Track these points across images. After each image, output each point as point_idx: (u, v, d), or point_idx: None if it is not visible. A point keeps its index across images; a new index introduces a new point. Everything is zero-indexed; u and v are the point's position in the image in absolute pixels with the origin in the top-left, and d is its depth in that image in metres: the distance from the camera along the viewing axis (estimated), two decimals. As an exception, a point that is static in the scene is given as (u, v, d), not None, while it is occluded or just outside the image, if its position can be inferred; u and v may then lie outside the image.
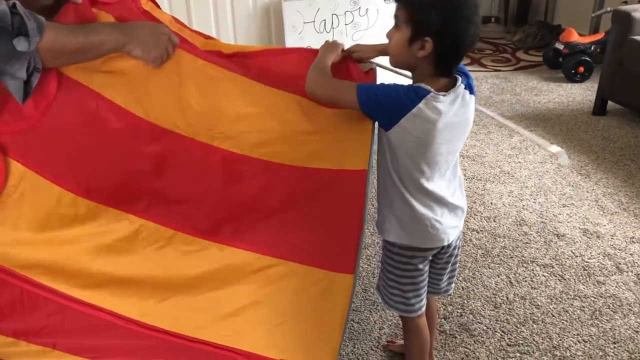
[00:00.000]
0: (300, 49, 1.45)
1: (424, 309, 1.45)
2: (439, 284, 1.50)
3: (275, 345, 1.40)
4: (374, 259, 2.20)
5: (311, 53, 1.36)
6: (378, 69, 1.42)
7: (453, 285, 1.56)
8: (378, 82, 1.32)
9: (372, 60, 1.40)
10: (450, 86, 1.21)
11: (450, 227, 1.34)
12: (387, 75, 1.41)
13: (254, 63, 1.38)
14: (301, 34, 3.86)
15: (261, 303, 1.38)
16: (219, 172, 1.35)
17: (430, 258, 1.40)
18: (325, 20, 3.91)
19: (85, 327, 1.37)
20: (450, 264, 1.47)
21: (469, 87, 1.24)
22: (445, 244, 1.35)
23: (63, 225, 1.32)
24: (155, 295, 1.38)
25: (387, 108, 1.19)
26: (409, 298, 1.41)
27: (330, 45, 1.34)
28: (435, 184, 1.28)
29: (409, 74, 1.29)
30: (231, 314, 1.39)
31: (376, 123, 1.28)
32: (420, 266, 1.38)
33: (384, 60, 1.38)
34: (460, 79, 1.22)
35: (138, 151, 1.33)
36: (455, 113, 1.21)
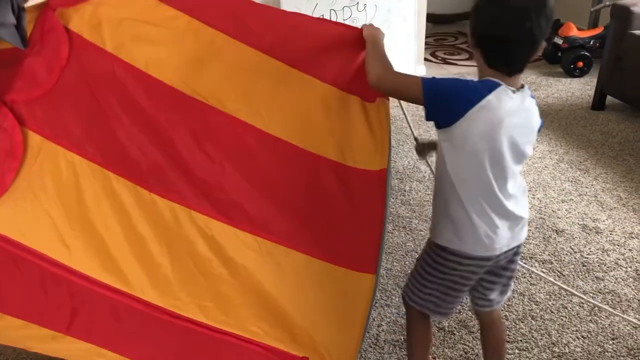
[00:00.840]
0: (340, 26, 1.37)
1: (447, 317, 1.39)
2: (489, 294, 1.39)
3: (297, 341, 1.39)
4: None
5: (348, 33, 1.31)
6: None
7: (507, 295, 1.44)
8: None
9: None
10: (518, 87, 1.19)
11: (505, 237, 1.26)
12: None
13: (286, 29, 1.34)
14: (299, 30, 3.84)
15: (283, 299, 1.36)
16: (242, 146, 1.32)
17: (480, 271, 1.31)
18: (323, 15, 3.88)
19: (105, 312, 1.33)
20: (507, 272, 1.37)
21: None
22: (497, 253, 1.27)
23: (85, 197, 1.28)
24: (179, 283, 1.34)
25: (455, 99, 1.15)
26: (443, 300, 1.35)
27: (377, 29, 1.30)
28: (497, 190, 1.21)
29: None
30: (254, 307, 1.36)
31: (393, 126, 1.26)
32: (466, 275, 1.30)
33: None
34: (526, 86, 1.20)
35: (159, 117, 1.29)
36: (522, 115, 1.18)
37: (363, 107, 1.29)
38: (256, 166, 1.33)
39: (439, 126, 1.20)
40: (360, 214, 1.33)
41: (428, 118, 1.19)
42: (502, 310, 1.90)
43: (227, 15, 1.32)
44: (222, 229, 1.33)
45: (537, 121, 1.23)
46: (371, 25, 1.33)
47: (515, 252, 1.34)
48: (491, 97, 1.13)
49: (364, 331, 1.40)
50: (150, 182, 1.30)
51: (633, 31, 3.24)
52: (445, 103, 1.17)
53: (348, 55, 1.29)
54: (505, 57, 1.15)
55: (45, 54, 1.20)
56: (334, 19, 3.92)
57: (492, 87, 1.14)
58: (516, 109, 1.16)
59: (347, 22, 3.90)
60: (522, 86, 1.20)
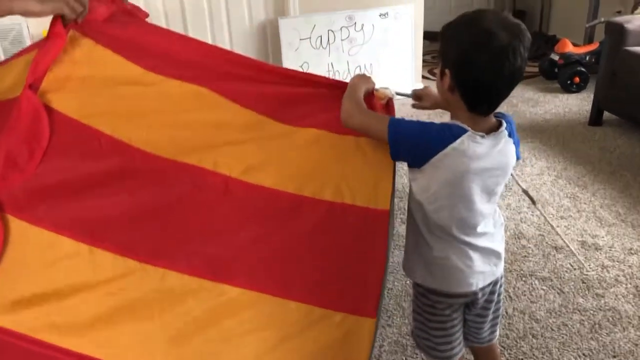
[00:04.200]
0: (327, 80, 1.40)
1: (456, 358, 1.38)
2: (479, 333, 1.40)
3: None
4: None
5: (337, 88, 1.33)
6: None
7: (497, 333, 1.44)
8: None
9: (389, 89, 1.38)
10: (492, 129, 1.15)
11: (480, 272, 1.25)
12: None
13: (273, 92, 1.35)
14: (298, 50, 3.90)
15: (279, 351, 1.30)
16: (233, 205, 1.30)
17: (458, 307, 1.32)
18: (321, 36, 3.94)
19: None
20: (490, 311, 1.37)
21: (511, 134, 1.19)
22: (474, 289, 1.26)
23: (71, 276, 1.24)
24: (175, 352, 1.28)
25: (417, 145, 1.14)
26: (438, 344, 1.35)
27: (364, 77, 1.32)
28: (465, 231, 1.21)
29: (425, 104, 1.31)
30: None
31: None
32: (447, 312, 1.30)
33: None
34: (505, 124, 1.17)
35: (150, 188, 1.28)
36: (494, 158, 1.15)
37: (358, 143, 1.29)
38: (251, 220, 1.31)
39: (408, 165, 1.21)
40: (360, 255, 1.30)
41: (393, 158, 1.20)
42: (502, 328, 1.91)
43: (207, 71, 1.34)
44: (216, 289, 1.28)
45: (512, 161, 1.19)
46: (360, 74, 1.34)
47: (492, 290, 1.32)
48: (455, 145, 1.11)
49: None
50: (139, 252, 1.27)
51: (627, 48, 3.28)
52: (409, 148, 1.16)
53: (337, 104, 1.30)
54: (489, 102, 1.12)
55: (26, 138, 1.19)
56: (331, 39, 3.97)
57: (457, 134, 1.11)
58: (485, 154, 1.13)
59: (344, 42, 4.00)
60: (499, 125, 1.17)
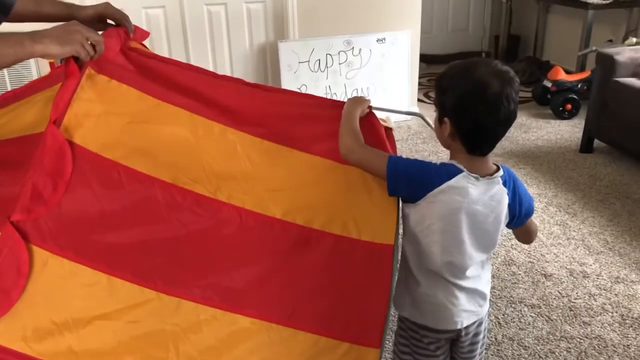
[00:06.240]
0: (324, 101, 1.46)
1: None
2: None
3: None
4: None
5: (335, 108, 1.38)
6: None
7: None
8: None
9: (374, 107, 1.41)
10: (488, 174, 1.21)
11: (464, 311, 1.30)
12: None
13: (277, 115, 1.41)
14: (296, 73, 3.97)
15: None
16: (246, 236, 1.34)
17: (444, 343, 1.35)
18: (319, 59, 4.03)
19: None
20: (476, 353, 1.40)
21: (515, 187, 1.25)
22: (459, 327, 1.31)
23: (91, 305, 1.29)
24: None
25: (415, 181, 1.21)
26: None
27: (357, 100, 1.36)
28: (454, 274, 1.26)
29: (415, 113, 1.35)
30: None
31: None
32: (432, 347, 1.34)
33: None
34: (502, 170, 1.23)
35: (167, 218, 1.32)
36: (486, 203, 1.20)
37: (363, 177, 1.32)
38: (262, 252, 1.35)
39: (403, 200, 1.27)
40: (366, 288, 1.33)
41: (389, 193, 1.25)
42: (492, 355, 1.96)
43: (219, 104, 1.39)
44: (228, 319, 1.33)
45: (504, 211, 1.24)
46: (353, 98, 1.38)
47: (476, 332, 1.37)
48: (451, 183, 1.18)
49: None
50: (156, 281, 1.31)
51: (617, 79, 3.37)
52: (405, 185, 1.23)
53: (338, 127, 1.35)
54: (489, 143, 1.20)
55: (51, 171, 1.25)
56: (329, 62, 4.05)
57: (453, 173, 1.18)
58: (479, 198, 1.19)
59: (342, 66, 4.09)
60: (497, 170, 1.23)
